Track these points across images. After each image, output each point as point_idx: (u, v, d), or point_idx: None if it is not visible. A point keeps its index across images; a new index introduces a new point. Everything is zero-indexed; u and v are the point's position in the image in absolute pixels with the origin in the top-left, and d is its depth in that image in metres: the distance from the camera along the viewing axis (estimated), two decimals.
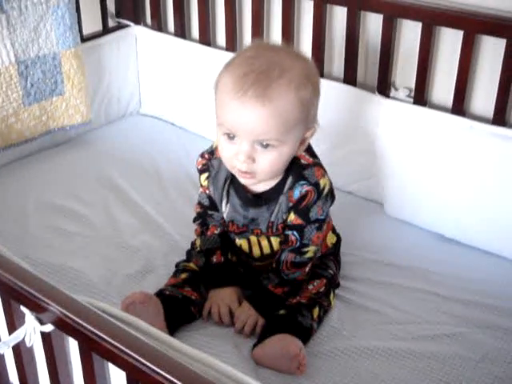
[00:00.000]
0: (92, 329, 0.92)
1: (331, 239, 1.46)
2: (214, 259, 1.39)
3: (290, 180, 1.29)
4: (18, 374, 1.15)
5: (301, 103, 1.21)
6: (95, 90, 2.07)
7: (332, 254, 1.47)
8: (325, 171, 1.32)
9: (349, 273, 1.51)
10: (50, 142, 2.00)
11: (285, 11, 1.79)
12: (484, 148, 1.50)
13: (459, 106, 1.58)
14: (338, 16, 1.74)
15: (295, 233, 1.31)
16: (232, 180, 1.34)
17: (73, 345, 1.01)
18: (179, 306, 1.33)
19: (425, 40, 1.58)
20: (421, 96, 1.63)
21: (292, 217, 1.31)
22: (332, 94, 1.73)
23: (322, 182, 1.29)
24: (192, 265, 1.43)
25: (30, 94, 1.85)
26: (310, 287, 1.37)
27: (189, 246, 1.49)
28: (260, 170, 1.24)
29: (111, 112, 2.16)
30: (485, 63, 1.57)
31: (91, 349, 0.94)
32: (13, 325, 1.07)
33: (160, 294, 1.35)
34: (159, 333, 0.96)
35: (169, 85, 2.11)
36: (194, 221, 1.46)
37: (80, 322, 0.93)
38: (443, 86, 1.65)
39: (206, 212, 1.43)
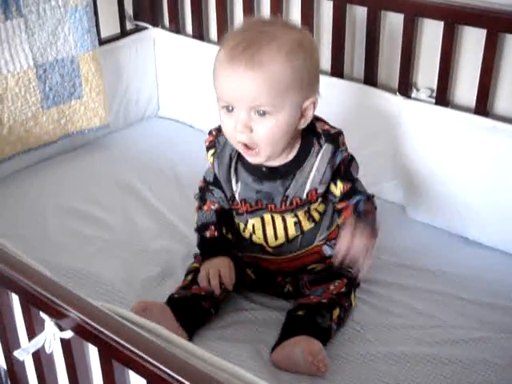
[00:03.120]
0: (112, 335, 0.90)
1: None
2: (208, 234, 1.38)
3: (326, 147, 1.29)
4: (38, 381, 1.14)
5: (292, 68, 1.20)
6: (113, 93, 2.06)
7: None
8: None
9: (371, 276, 1.48)
10: (69, 145, 2.00)
11: (304, 12, 1.77)
12: (508, 149, 1.47)
13: (482, 106, 1.55)
14: (359, 16, 1.72)
15: (357, 197, 1.30)
16: (239, 157, 1.33)
17: (93, 351, 1.00)
18: (190, 305, 1.32)
19: (447, 39, 1.55)
20: (443, 96, 1.61)
21: (340, 185, 1.31)
22: (352, 95, 1.72)
23: (348, 152, 1.33)
24: (197, 264, 1.41)
25: (49, 97, 1.85)
26: (331, 287, 1.35)
27: None
28: (259, 140, 1.23)
29: (130, 115, 2.16)
30: (508, 62, 1.54)
31: (111, 356, 0.93)
32: (32, 331, 1.06)
33: (170, 299, 1.35)
34: (181, 340, 0.94)
35: (187, 87, 2.10)
36: (195, 196, 1.45)
37: (100, 328, 0.92)
38: (466, 86, 1.62)
39: (207, 187, 1.41)
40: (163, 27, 2.16)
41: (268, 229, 1.36)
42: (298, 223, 1.34)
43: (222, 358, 0.92)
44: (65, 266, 1.50)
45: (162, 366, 0.84)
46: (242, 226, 1.39)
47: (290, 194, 1.31)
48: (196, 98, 2.08)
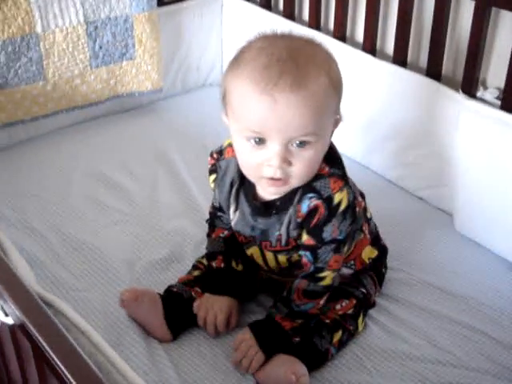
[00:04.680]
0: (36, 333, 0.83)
1: (370, 253, 1.28)
2: (214, 264, 1.26)
3: (299, 192, 1.12)
4: None
5: (333, 87, 1.06)
6: (171, 57, 1.97)
7: (372, 269, 1.29)
8: (345, 183, 1.11)
9: (392, 292, 1.33)
10: (119, 107, 1.93)
11: None
12: None
13: None
14: (427, 2, 1.52)
15: (308, 254, 1.14)
16: (242, 184, 1.19)
17: None
18: (181, 306, 1.22)
19: None
20: (510, 99, 1.39)
21: (305, 237, 1.14)
22: (411, 87, 1.54)
23: (336, 197, 1.10)
24: (204, 261, 1.31)
25: (98, 56, 1.78)
26: (338, 307, 1.21)
27: None
28: (296, 174, 1.07)
29: (189, 81, 2.07)
30: None
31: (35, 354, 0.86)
32: None
33: (168, 291, 1.26)
34: (105, 348, 0.85)
35: None
36: (206, 221, 1.34)
37: (29, 324, 0.85)
38: None
39: (215, 213, 1.29)
40: None
41: (268, 257, 1.22)
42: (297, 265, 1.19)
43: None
44: (73, 235, 1.45)
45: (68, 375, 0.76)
46: None
47: (283, 233, 1.16)
48: None
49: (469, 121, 1.41)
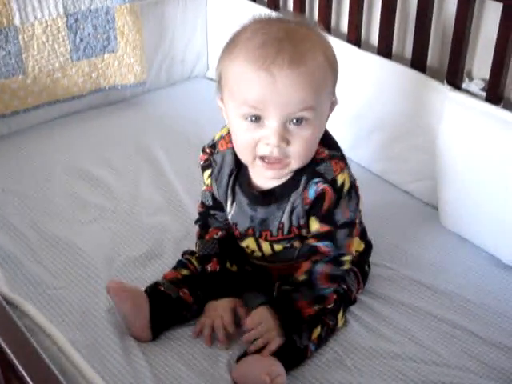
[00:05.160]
0: None
1: (357, 246, 1.26)
2: (209, 267, 1.22)
3: (304, 178, 1.11)
4: None
5: (330, 65, 1.07)
6: (155, 49, 1.94)
7: (356, 265, 1.27)
8: (345, 164, 1.13)
9: (375, 289, 1.31)
10: (102, 100, 1.90)
11: None
12: None
13: None
14: None
15: (327, 243, 1.12)
16: (237, 175, 1.17)
17: None
18: (170, 308, 1.19)
19: (505, 24, 1.30)
20: (495, 91, 1.37)
21: (316, 225, 1.12)
22: (395, 79, 1.52)
23: (339, 178, 1.10)
24: (195, 260, 1.27)
25: (79, 48, 1.75)
26: None
27: None
28: (294, 154, 1.06)
29: (174, 73, 2.03)
30: None
31: None
32: None
33: (154, 288, 1.21)
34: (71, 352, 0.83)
35: None
36: (196, 222, 1.30)
37: None
38: None
39: (208, 212, 1.26)
40: None
41: (264, 246, 1.20)
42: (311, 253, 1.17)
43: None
44: (51, 232, 1.42)
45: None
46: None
47: (285, 221, 1.14)
48: None
49: (453, 113, 1.38)
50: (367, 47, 1.62)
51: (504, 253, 1.37)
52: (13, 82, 1.68)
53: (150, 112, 1.90)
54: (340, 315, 1.20)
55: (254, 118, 1.05)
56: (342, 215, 1.11)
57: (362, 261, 1.30)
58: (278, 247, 1.19)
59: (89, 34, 1.75)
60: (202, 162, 1.23)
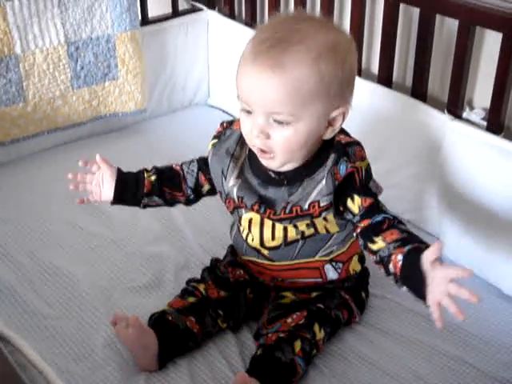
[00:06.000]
0: None
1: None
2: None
3: (333, 155, 1.14)
4: None
5: (319, 76, 1.06)
6: (157, 77, 1.95)
7: (351, 292, 1.27)
8: (365, 153, 1.17)
9: (374, 320, 1.30)
10: (103, 128, 1.91)
11: (355, 10, 1.57)
12: None
13: None
14: (414, 19, 1.49)
15: (376, 218, 1.11)
16: (250, 157, 1.21)
17: None
18: (177, 339, 1.20)
19: (505, 53, 1.30)
20: (496, 120, 1.36)
21: (358, 200, 1.12)
22: (395, 107, 1.51)
23: (363, 164, 1.14)
24: (202, 288, 1.28)
25: (80, 76, 1.76)
26: (289, 320, 1.20)
27: (208, 263, 1.34)
28: (276, 148, 1.11)
29: (175, 101, 2.04)
30: None
31: None
32: None
33: (161, 317, 1.21)
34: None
35: None
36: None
37: None
38: None
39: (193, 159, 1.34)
40: (219, 10, 2.01)
41: (266, 227, 1.21)
42: (297, 227, 1.19)
43: None
44: (49, 262, 1.41)
45: None
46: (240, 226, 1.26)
47: (291, 200, 1.16)
48: None
49: (454, 142, 1.38)
50: (368, 76, 1.62)
51: (505, 283, 1.35)
52: (13, 110, 1.68)
53: (151, 139, 1.90)
54: (316, 327, 1.20)
55: (245, 111, 1.12)
56: (375, 188, 1.15)
57: (359, 288, 1.30)
58: (278, 233, 1.20)
59: (89, 62, 1.76)
60: (215, 133, 1.28)
